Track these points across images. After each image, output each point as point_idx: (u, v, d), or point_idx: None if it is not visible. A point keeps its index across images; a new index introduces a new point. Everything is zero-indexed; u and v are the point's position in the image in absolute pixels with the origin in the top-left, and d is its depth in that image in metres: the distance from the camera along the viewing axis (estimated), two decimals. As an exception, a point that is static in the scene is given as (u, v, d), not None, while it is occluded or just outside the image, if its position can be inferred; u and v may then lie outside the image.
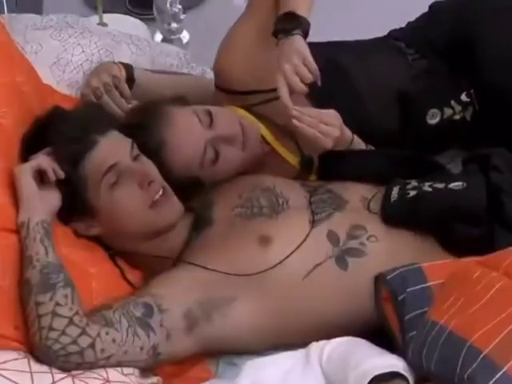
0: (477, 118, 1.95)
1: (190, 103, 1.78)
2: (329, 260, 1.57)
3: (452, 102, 1.92)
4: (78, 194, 1.54)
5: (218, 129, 1.72)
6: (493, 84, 1.89)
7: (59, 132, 1.56)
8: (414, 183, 1.70)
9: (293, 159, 1.86)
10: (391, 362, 1.34)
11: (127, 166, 1.56)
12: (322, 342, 1.45)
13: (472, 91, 1.93)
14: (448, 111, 1.93)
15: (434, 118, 1.93)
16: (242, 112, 1.83)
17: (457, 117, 1.95)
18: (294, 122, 1.67)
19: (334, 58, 1.89)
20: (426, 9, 2.09)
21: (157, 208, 1.58)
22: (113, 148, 1.57)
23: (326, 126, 1.69)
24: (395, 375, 1.31)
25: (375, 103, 1.88)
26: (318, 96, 1.80)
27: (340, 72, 1.87)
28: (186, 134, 1.70)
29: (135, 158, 1.59)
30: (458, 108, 1.94)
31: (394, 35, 2.03)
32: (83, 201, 1.55)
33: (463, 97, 1.93)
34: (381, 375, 1.30)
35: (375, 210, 1.67)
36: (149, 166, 1.60)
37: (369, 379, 1.29)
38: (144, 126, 1.69)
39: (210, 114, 1.73)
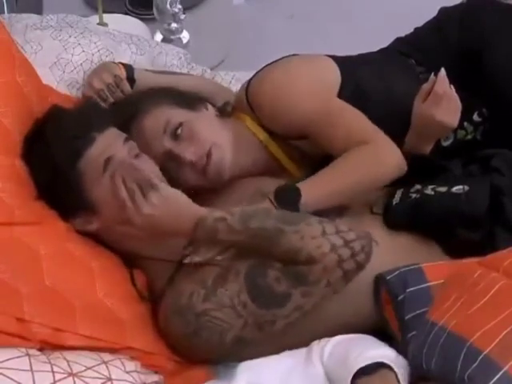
0: (487, 135, 1.95)
1: (202, 106, 1.79)
2: None
3: (465, 124, 1.90)
4: (76, 189, 1.54)
5: (179, 146, 1.71)
6: (503, 94, 1.89)
7: (58, 130, 1.57)
8: (417, 186, 1.70)
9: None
10: (382, 353, 1.34)
11: (121, 161, 1.55)
12: (324, 340, 1.45)
13: (484, 110, 1.93)
14: (461, 133, 1.92)
15: (447, 140, 1.92)
16: (252, 125, 1.83)
17: (469, 137, 1.94)
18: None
19: (353, 77, 1.86)
20: (427, 14, 2.08)
21: None
22: (108, 143, 1.56)
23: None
24: (381, 365, 1.31)
25: (390, 124, 1.86)
26: None
27: (361, 94, 1.85)
28: (145, 135, 1.70)
29: (135, 157, 1.59)
30: (470, 128, 1.93)
31: (401, 49, 1.99)
32: (82, 196, 1.55)
33: (475, 117, 1.92)
34: (367, 367, 1.29)
35: (378, 212, 1.68)
36: (147, 165, 1.59)
37: (353, 373, 1.28)
38: (122, 112, 1.71)
39: (178, 128, 1.70)
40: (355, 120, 1.77)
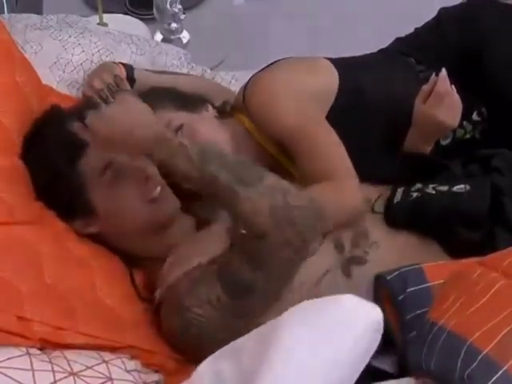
0: (485, 134, 1.95)
1: (203, 106, 1.79)
2: (336, 268, 1.58)
3: (464, 123, 1.90)
4: (76, 191, 1.55)
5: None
6: (503, 94, 1.89)
7: (57, 130, 1.57)
8: (418, 185, 1.70)
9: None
10: None
11: (122, 162, 1.55)
12: None
13: (483, 110, 1.93)
14: (460, 132, 1.93)
15: (446, 139, 1.92)
16: (250, 125, 1.83)
17: (467, 136, 1.95)
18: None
19: (353, 78, 1.86)
20: (427, 14, 2.08)
21: (154, 205, 1.58)
22: None
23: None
24: None
25: (391, 124, 1.86)
26: (337, 118, 1.80)
27: (361, 95, 1.85)
28: None
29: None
30: (469, 127, 1.94)
31: (401, 49, 1.99)
32: (81, 198, 1.56)
33: (474, 116, 1.93)
34: None
35: (379, 211, 1.68)
36: (146, 163, 1.58)
37: None
38: None
39: (179, 130, 1.70)
40: (329, 149, 1.73)
